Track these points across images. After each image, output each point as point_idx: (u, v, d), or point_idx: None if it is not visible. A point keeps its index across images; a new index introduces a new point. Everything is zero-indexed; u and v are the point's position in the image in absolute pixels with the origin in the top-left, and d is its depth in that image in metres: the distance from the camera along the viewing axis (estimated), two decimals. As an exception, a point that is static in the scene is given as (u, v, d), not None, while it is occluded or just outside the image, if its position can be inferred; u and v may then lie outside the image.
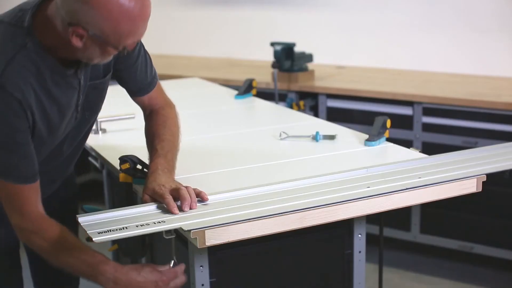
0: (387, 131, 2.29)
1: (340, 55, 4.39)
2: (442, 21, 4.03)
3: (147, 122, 2.02)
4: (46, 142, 1.74)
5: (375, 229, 2.29)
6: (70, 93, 1.73)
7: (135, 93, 2.00)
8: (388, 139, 2.29)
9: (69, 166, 2.04)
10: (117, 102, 3.06)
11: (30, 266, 2.20)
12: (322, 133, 2.33)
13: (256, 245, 1.80)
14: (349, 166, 1.94)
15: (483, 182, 1.84)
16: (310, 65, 3.88)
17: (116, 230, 1.54)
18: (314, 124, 2.60)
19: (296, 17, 4.52)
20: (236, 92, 3.14)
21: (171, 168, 1.81)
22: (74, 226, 1.87)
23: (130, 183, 1.89)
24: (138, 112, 2.66)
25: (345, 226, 2.03)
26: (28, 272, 2.16)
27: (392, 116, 2.54)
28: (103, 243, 1.59)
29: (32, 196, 1.67)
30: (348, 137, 2.37)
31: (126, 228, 1.54)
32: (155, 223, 1.57)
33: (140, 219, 1.60)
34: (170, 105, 2.04)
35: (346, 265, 2.07)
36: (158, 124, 1.96)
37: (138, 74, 1.94)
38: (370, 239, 2.18)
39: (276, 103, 3.56)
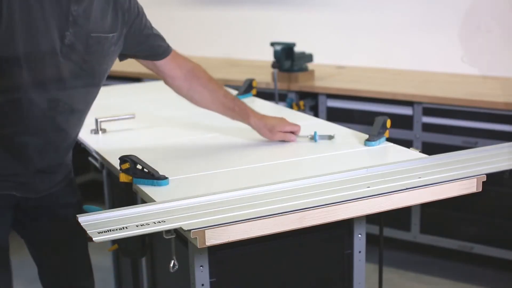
0: (387, 131, 2.29)
1: (340, 55, 4.39)
2: (442, 21, 4.03)
3: (195, 80, 2.25)
4: (22, 45, 1.73)
5: (375, 229, 2.29)
6: (55, 7, 1.76)
7: (161, 55, 2.17)
8: (388, 139, 2.29)
9: (63, 143, 1.98)
10: (117, 102, 3.07)
11: (39, 271, 2.20)
12: (321, 133, 2.33)
13: (256, 245, 1.80)
14: (349, 166, 1.94)
15: (483, 182, 1.84)
16: (310, 65, 3.88)
17: (116, 230, 1.53)
18: (314, 124, 2.60)
19: (296, 17, 4.52)
20: (236, 92, 3.14)
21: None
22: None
23: (130, 183, 1.89)
24: (138, 112, 2.67)
25: (345, 226, 2.03)
26: (19, 278, 2.14)
27: (392, 116, 2.54)
28: (103, 243, 1.59)
29: None
30: (348, 137, 2.37)
31: (126, 228, 1.54)
32: (155, 223, 1.57)
33: (140, 219, 1.60)
34: (198, 65, 2.29)
35: (346, 265, 2.07)
36: (215, 83, 2.30)
37: (159, 39, 2.16)
38: (370, 239, 2.18)
39: (276, 103, 3.56)
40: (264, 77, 3.88)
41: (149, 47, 2.13)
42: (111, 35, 1.92)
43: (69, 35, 1.80)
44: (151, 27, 2.13)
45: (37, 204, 2.01)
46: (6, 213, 1.98)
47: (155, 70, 2.21)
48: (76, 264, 2.19)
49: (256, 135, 2.35)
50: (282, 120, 2.35)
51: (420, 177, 1.84)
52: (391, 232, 3.55)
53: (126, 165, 1.88)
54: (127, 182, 1.89)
